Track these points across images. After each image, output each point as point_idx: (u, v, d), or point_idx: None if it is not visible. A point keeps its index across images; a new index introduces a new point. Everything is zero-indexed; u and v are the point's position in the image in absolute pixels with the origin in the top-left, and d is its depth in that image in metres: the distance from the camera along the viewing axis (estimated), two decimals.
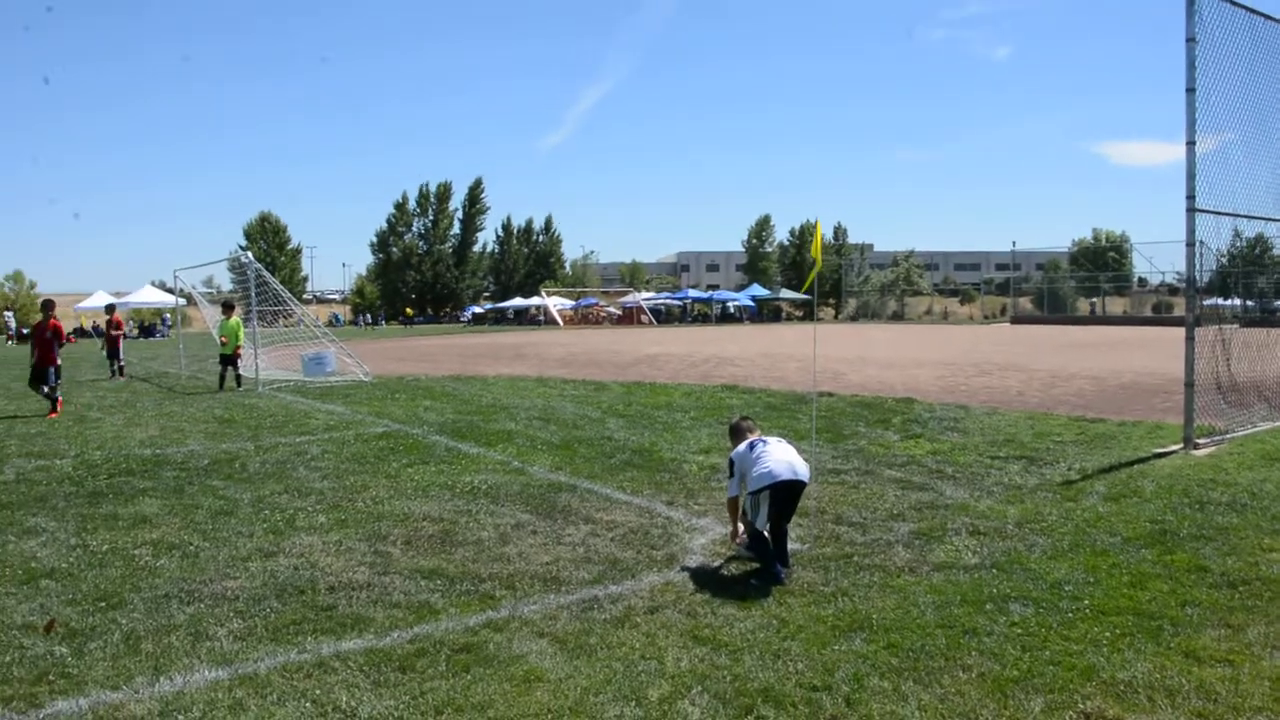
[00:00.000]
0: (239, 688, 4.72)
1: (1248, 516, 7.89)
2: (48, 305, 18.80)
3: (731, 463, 6.90)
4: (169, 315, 63.81)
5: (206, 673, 4.92)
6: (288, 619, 5.73)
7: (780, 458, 6.57)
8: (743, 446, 6.86)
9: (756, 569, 6.48)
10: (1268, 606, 5.70)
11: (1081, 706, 4.38)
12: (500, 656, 5.08)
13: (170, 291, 51.83)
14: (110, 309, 27.60)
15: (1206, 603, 5.77)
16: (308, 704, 4.53)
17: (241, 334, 22.01)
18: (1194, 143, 11.09)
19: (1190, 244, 11.35)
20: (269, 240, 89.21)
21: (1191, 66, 11.02)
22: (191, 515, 8.49)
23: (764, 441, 6.79)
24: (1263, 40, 12.65)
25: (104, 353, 27.04)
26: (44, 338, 17.46)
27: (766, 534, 6.50)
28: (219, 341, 22.11)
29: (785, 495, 6.51)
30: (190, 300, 37.19)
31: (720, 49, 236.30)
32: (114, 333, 25.70)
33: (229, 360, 21.55)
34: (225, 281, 72.40)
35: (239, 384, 21.47)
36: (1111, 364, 25.42)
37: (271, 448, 12.34)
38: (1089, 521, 7.80)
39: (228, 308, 22.65)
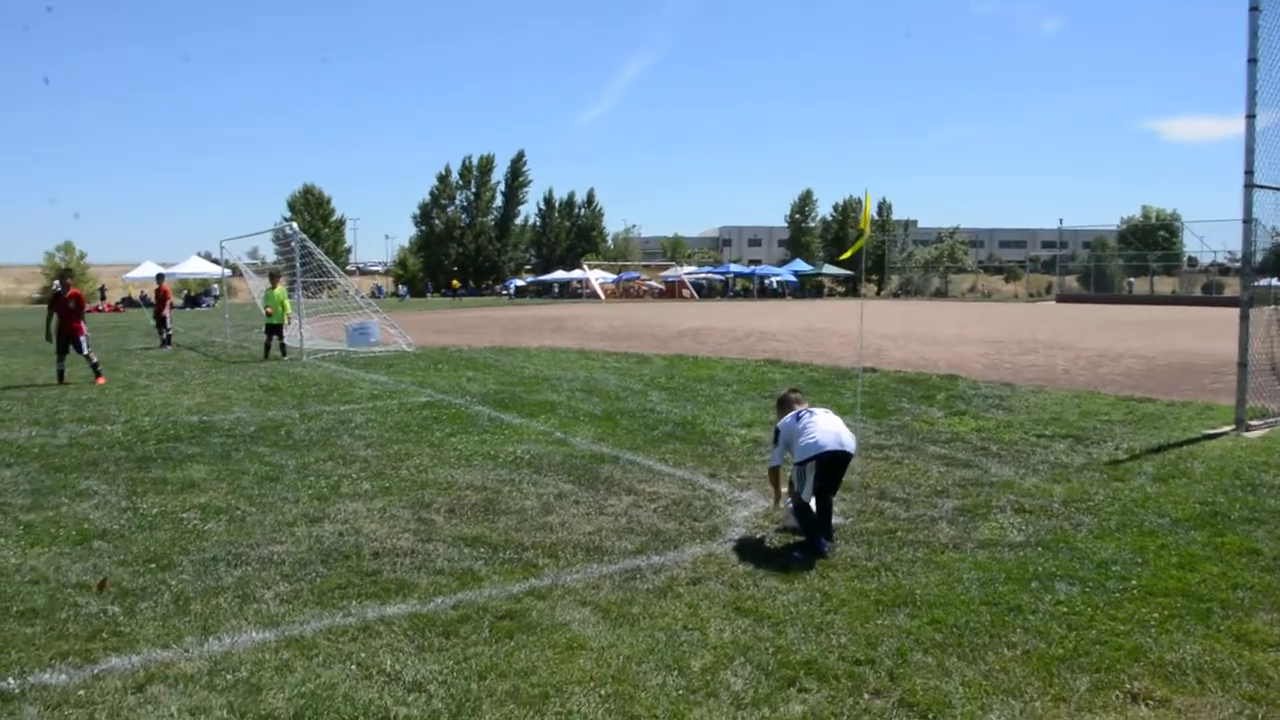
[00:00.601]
0: (285, 649, 4.79)
1: None
2: (65, 274, 18.44)
3: (777, 432, 6.85)
4: (216, 286, 64.61)
5: (254, 634, 4.99)
6: (333, 583, 5.79)
7: (827, 428, 6.52)
8: (789, 417, 6.81)
9: (799, 541, 6.46)
10: None
11: (1129, 687, 4.33)
12: (543, 624, 5.11)
13: (216, 262, 52.35)
14: (160, 279, 27.98)
15: (1258, 586, 5.67)
16: (353, 666, 4.59)
17: (288, 304, 22.23)
18: (1254, 116, 10.81)
19: (1247, 220, 11.11)
20: (312, 212, 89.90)
21: (1254, 35, 10.72)
22: (238, 480, 8.60)
23: (810, 412, 6.74)
24: None
25: (152, 322, 27.44)
26: (66, 308, 16.91)
27: (812, 506, 6.48)
28: (264, 312, 22.37)
29: (832, 466, 6.48)
30: (236, 271, 37.56)
31: (763, 24, 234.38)
32: (162, 309, 25.97)
33: (275, 329, 21.78)
34: (270, 253, 73.04)
35: (284, 353, 21.69)
36: (1160, 344, 25.02)
37: (316, 415, 12.46)
38: (1137, 502, 7.69)
39: (274, 278, 22.90)
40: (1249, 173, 10.89)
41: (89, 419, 12.33)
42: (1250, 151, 10.87)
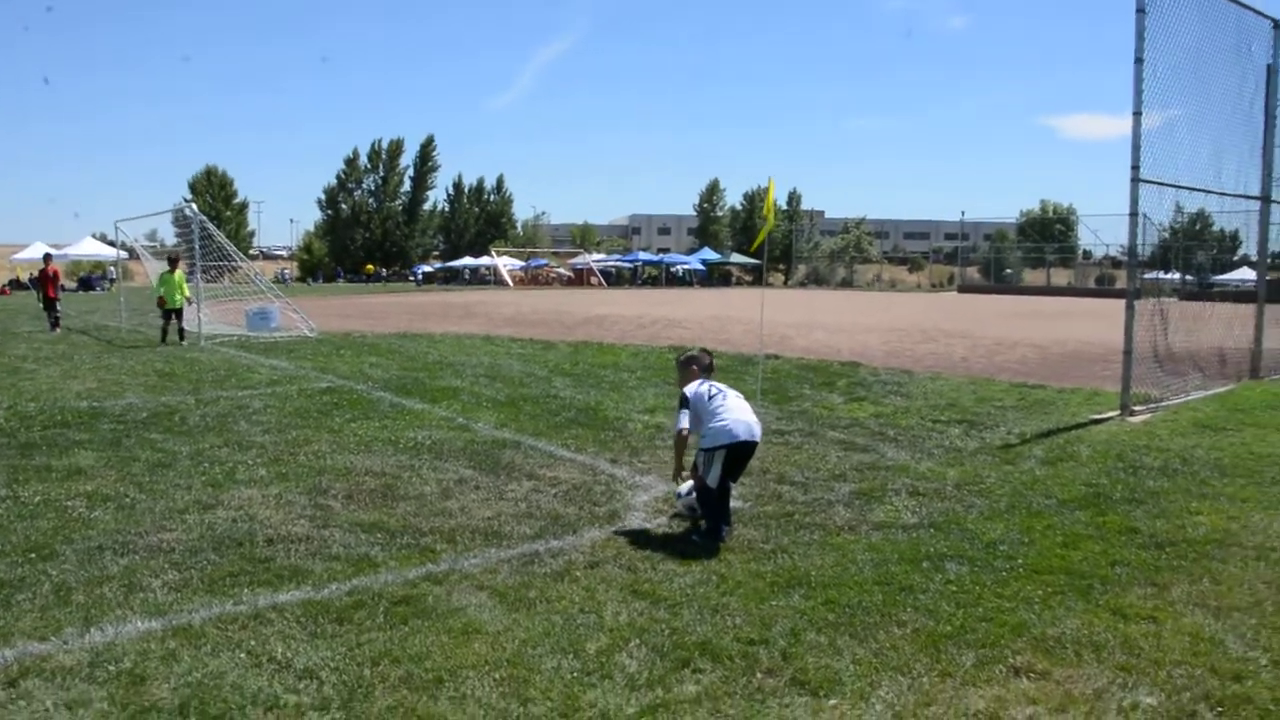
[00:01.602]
0: (172, 638, 4.66)
1: (1178, 481, 8.07)
2: None
3: (685, 399, 6.69)
4: (113, 268, 62.43)
5: (139, 623, 4.85)
6: (224, 571, 5.66)
7: (739, 416, 6.48)
8: (699, 386, 6.71)
9: (699, 526, 6.49)
10: (1191, 566, 5.84)
11: (1011, 661, 4.46)
12: (439, 609, 5.06)
13: (112, 244, 50.58)
14: (47, 259, 26.90)
15: (1135, 563, 5.90)
16: (242, 654, 4.48)
17: (186, 288, 21.54)
18: (1140, 113, 11.20)
19: (1133, 214, 11.50)
20: (214, 194, 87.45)
21: (1140, 37, 11.12)
22: (128, 467, 8.34)
23: (721, 393, 6.65)
24: (1209, 16, 12.82)
25: (41, 305, 26.42)
26: None
27: (715, 491, 6.44)
28: (156, 298, 21.56)
29: (740, 455, 6.50)
30: (132, 253, 36.32)
31: (676, 12, 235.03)
32: (50, 290, 25.01)
33: (176, 313, 21.07)
34: (169, 235, 70.91)
35: (182, 338, 21.06)
36: (1054, 333, 25.82)
37: (212, 401, 12.15)
38: (1026, 484, 7.93)
39: (172, 261, 22.12)
40: (1135, 167, 11.28)
41: None
42: (1136, 147, 11.27)
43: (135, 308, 30.16)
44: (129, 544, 6.15)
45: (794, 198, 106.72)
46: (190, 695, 4.08)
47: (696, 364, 7.02)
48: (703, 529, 6.42)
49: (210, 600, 5.19)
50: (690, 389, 6.74)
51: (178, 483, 7.80)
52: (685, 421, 6.63)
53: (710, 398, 6.59)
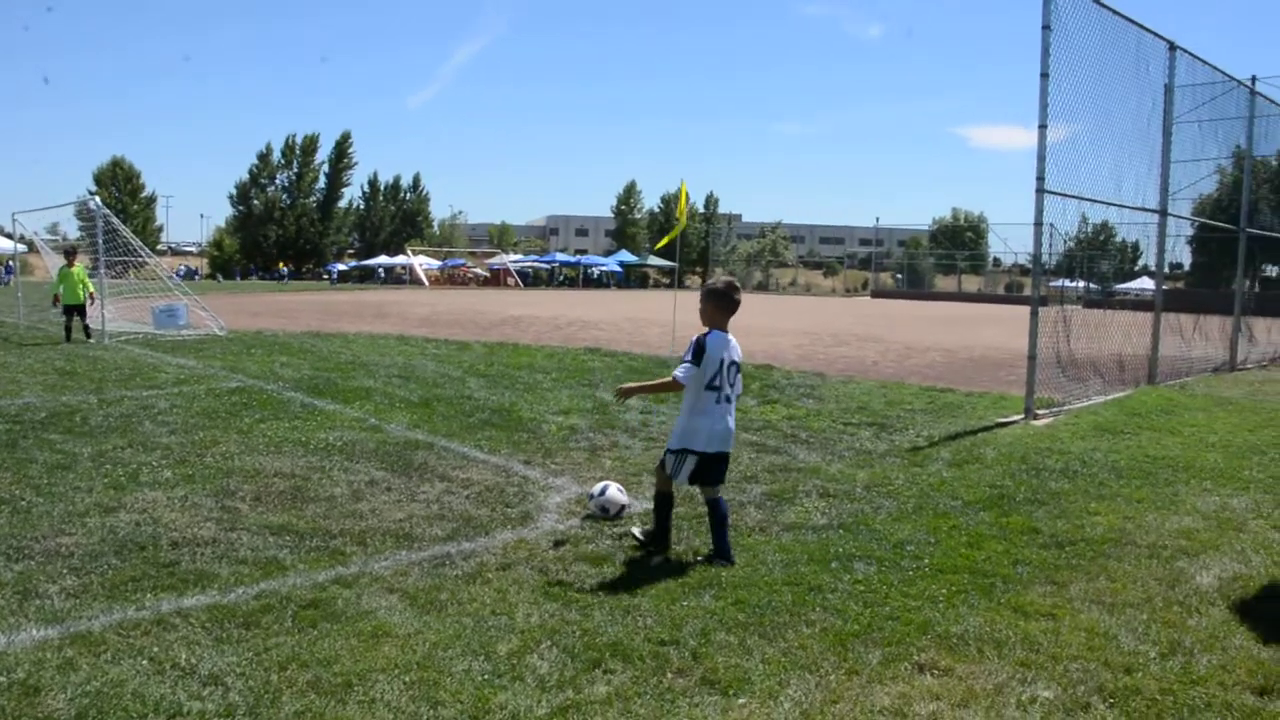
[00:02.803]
0: (70, 646, 4.52)
1: (1078, 482, 8.33)
2: None
3: (702, 351, 5.88)
4: (11, 263, 60.20)
5: (34, 631, 4.69)
6: (126, 575, 5.50)
7: (724, 416, 6.04)
8: (717, 346, 5.94)
9: (647, 531, 6.26)
10: (1089, 565, 6.04)
11: (916, 658, 4.56)
12: (349, 612, 5.00)
13: (9, 237, 48.85)
14: None
15: (1036, 562, 6.07)
16: (144, 661, 4.37)
17: (89, 283, 20.84)
18: (1045, 126, 11.57)
19: (1038, 223, 11.84)
20: (120, 187, 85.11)
21: (1046, 52, 11.47)
22: (25, 470, 8.05)
23: (726, 383, 6.01)
24: (1111, 36, 13.29)
25: None
26: None
27: (673, 495, 6.19)
28: (53, 295, 20.80)
29: (716, 464, 6.11)
30: (31, 247, 35.14)
31: (596, 13, 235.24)
32: None
33: (77, 310, 20.34)
34: (72, 229, 68.67)
35: (88, 335, 20.37)
36: (963, 339, 26.43)
37: (116, 401, 11.81)
38: (933, 486, 8.10)
39: (69, 255, 21.36)
40: (1040, 178, 11.64)
41: None
42: (1041, 159, 11.63)
43: (34, 304, 29.19)
44: (24, 549, 5.95)
45: (711, 200, 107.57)
46: (88, 705, 3.96)
47: (729, 303, 6.07)
48: (649, 539, 6.15)
49: (111, 606, 5.05)
50: (712, 345, 5.90)
51: (78, 485, 7.56)
52: (686, 378, 5.85)
53: (715, 382, 5.90)
